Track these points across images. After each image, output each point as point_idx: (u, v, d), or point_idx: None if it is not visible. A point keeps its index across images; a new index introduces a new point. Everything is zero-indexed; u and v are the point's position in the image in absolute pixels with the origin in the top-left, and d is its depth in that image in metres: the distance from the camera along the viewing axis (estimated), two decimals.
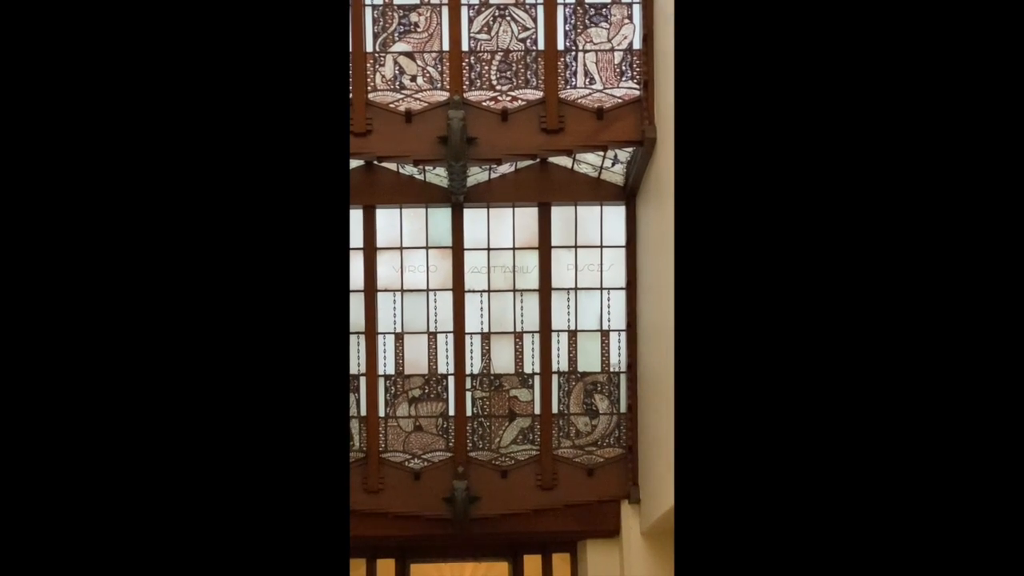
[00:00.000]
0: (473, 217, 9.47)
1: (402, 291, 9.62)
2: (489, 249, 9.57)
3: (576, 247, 9.57)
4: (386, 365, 9.72)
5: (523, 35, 9.00)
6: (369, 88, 8.87)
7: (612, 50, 8.96)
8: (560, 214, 9.49)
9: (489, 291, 9.60)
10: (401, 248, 9.52)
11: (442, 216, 9.47)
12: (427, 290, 9.60)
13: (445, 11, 8.80)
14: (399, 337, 9.73)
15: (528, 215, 9.52)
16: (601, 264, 9.65)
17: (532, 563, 10.40)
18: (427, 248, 9.57)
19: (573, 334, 9.79)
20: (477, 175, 9.21)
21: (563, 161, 9.26)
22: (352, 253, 9.36)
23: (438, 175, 9.15)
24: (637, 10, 8.66)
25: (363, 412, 9.78)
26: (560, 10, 8.82)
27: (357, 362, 9.70)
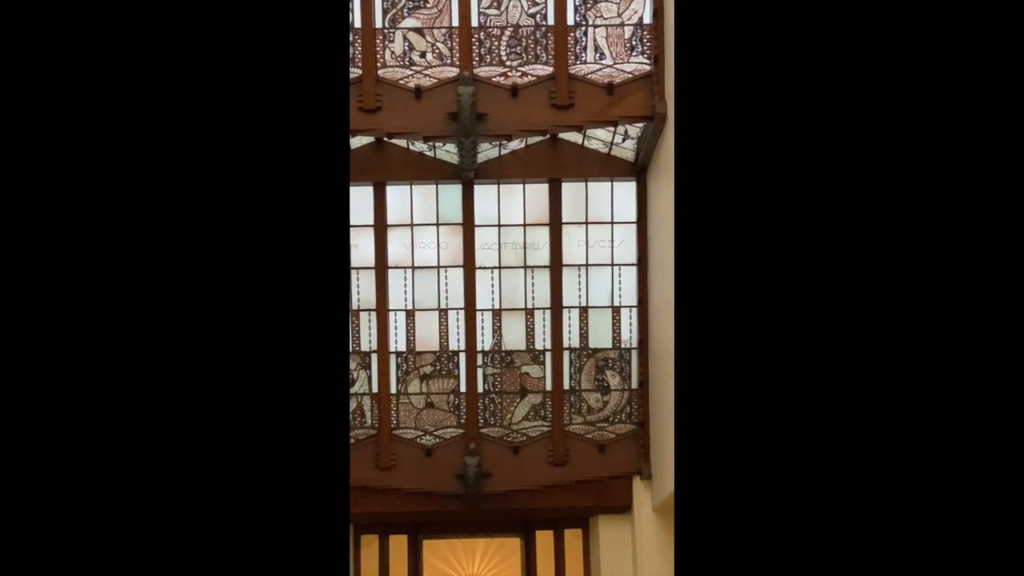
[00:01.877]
0: (483, 193, 9.48)
1: (413, 268, 9.65)
2: (500, 226, 9.61)
3: (587, 223, 9.61)
4: (397, 342, 9.79)
5: (533, 10, 9.01)
6: (379, 64, 8.88)
7: (622, 25, 8.95)
8: (571, 190, 9.52)
9: (500, 268, 9.63)
10: (411, 225, 9.56)
11: (452, 193, 9.50)
12: (438, 267, 9.64)
13: None
14: (410, 314, 9.77)
15: (539, 191, 9.54)
16: (612, 240, 9.66)
17: (544, 539, 10.54)
18: (437, 225, 9.60)
19: (584, 310, 9.82)
20: (487, 151, 9.23)
21: (573, 137, 9.30)
22: (362, 230, 9.52)
23: (448, 151, 9.17)
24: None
25: (375, 389, 9.88)
26: None
27: (369, 339, 9.76)
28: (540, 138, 9.33)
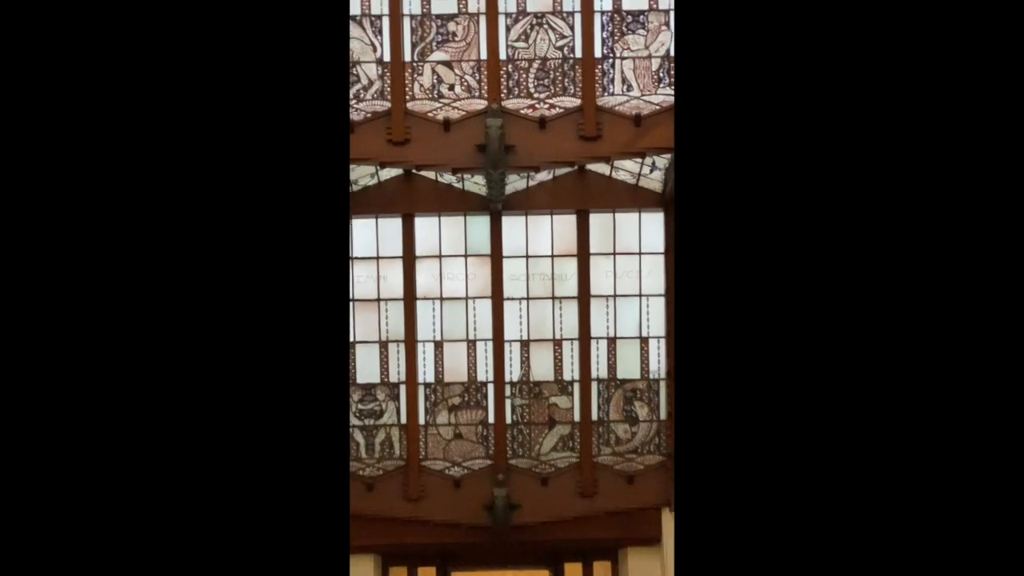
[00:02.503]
0: (511, 225, 9.45)
1: (441, 299, 9.62)
2: (528, 256, 9.57)
3: (615, 254, 9.60)
4: (426, 373, 9.72)
5: (560, 43, 9.02)
6: (408, 97, 8.88)
7: (649, 57, 8.97)
8: (598, 221, 9.50)
9: (528, 298, 9.60)
10: (440, 256, 9.51)
11: (480, 224, 9.46)
12: (466, 298, 9.60)
13: (483, 20, 8.94)
14: (438, 345, 9.71)
15: (566, 222, 9.49)
16: (640, 271, 9.61)
17: (573, 571, 10.34)
18: (466, 256, 9.55)
19: (612, 341, 9.73)
20: (515, 183, 9.22)
21: (601, 168, 9.29)
22: (391, 262, 9.49)
23: (476, 183, 9.15)
24: (674, 17, 8.70)
25: (403, 420, 9.83)
26: (597, 18, 8.99)
27: (397, 370, 9.71)
28: (568, 169, 9.35)
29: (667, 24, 9.12)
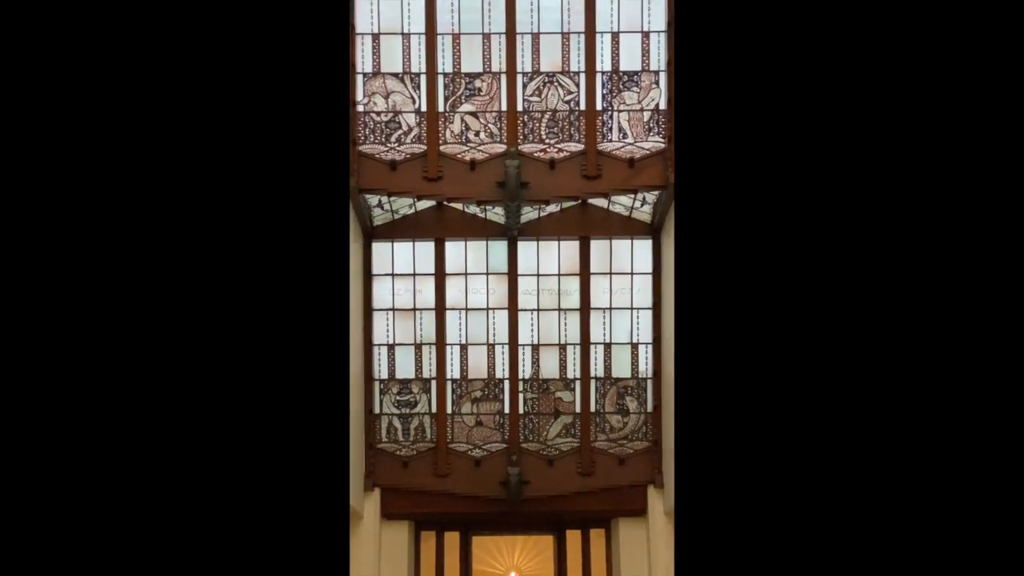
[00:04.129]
0: (525, 249, 9.84)
1: (466, 310, 9.98)
2: (538, 275, 9.90)
3: (611, 273, 9.95)
4: (453, 371, 10.09)
5: (568, 97, 9.48)
6: (440, 141, 9.38)
7: (642, 110, 9.45)
8: (598, 246, 9.88)
9: (538, 310, 9.95)
10: (466, 274, 9.92)
11: (500, 248, 9.86)
12: (487, 309, 9.96)
13: (503, 78, 9.38)
14: (464, 348, 10.07)
15: (571, 247, 9.87)
16: (631, 288, 9.97)
17: (573, 537, 10.69)
18: (487, 274, 9.93)
19: (608, 346, 10.05)
20: (529, 214, 9.65)
21: (600, 202, 9.72)
22: (425, 278, 9.94)
23: (497, 214, 9.62)
24: (663, 77, 9.32)
25: (433, 410, 10.12)
26: (599, 77, 9.40)
27: (429, 368, 10.07)
28: (573, 203, 9.74)
29: (657, 83, 9.36)
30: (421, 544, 10.61)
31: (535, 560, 11.32)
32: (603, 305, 10.07)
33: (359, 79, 9.62)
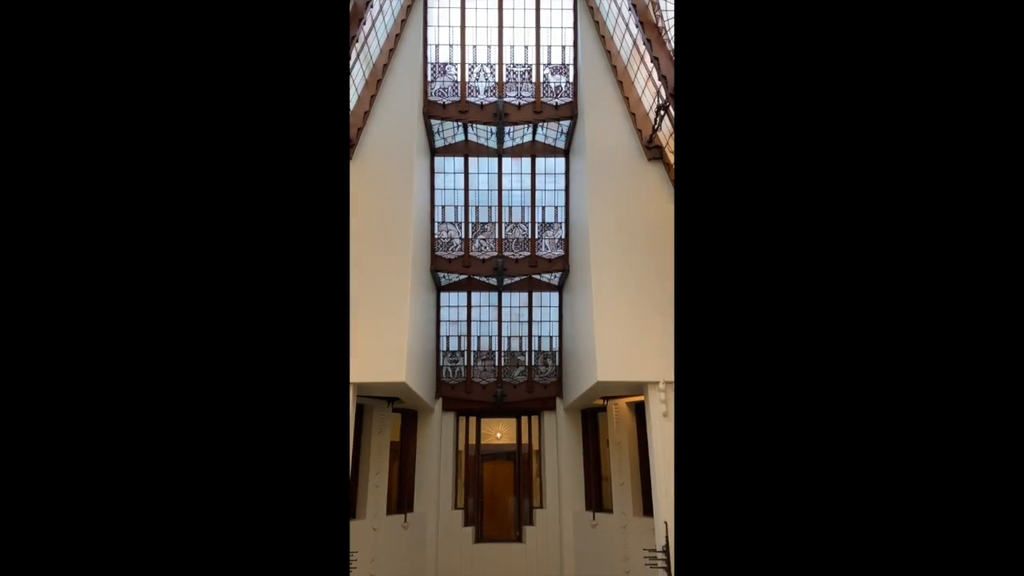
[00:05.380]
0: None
1: None
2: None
3: None
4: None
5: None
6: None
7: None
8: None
9: None
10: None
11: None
12: None
13: None
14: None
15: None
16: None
17: (524, 420, 16.81)
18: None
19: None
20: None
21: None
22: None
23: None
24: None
25: (467, 363, 15.61)
26: None
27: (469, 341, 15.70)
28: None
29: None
30: (459, 423, 16.95)
31: (508, 430, 17.39)
32: None
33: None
